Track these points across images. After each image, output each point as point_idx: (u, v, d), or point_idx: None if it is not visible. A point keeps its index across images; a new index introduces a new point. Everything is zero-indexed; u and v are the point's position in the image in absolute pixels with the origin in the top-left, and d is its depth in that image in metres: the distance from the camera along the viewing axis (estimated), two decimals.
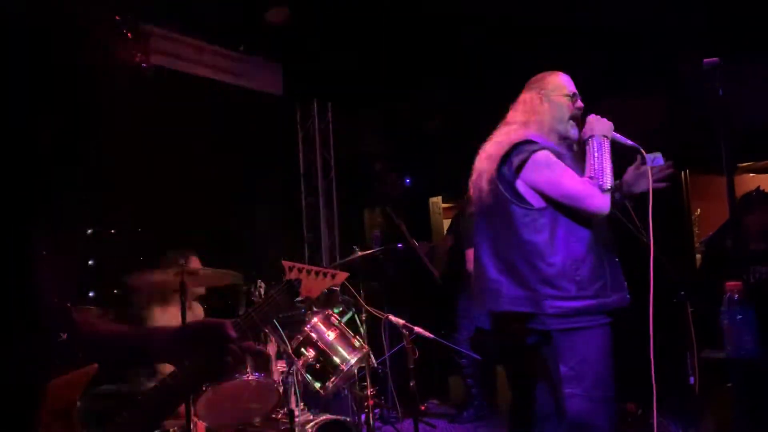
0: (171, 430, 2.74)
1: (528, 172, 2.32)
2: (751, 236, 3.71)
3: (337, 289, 3.64)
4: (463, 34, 5.37)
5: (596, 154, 2.31)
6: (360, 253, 4.14)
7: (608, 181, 2.28)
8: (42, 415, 0.92)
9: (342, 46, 5.72)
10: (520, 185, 2.34)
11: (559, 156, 2.34)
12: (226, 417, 2.95)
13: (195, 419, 2.76)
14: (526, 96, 2.55)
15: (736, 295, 2.08)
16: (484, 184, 2.43)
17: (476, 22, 5.20)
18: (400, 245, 5.16)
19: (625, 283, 2.42)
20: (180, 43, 5.47)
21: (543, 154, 2.31)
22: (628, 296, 2.40)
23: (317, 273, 1.45)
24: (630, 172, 2.47)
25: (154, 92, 5.36)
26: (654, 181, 2.41)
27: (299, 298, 1.41)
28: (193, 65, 5.64)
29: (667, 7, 4.41)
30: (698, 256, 5.23)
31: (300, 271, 1.42)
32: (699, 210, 5.65)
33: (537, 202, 2.32)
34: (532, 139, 2.37)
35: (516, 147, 2.35)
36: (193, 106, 5.75)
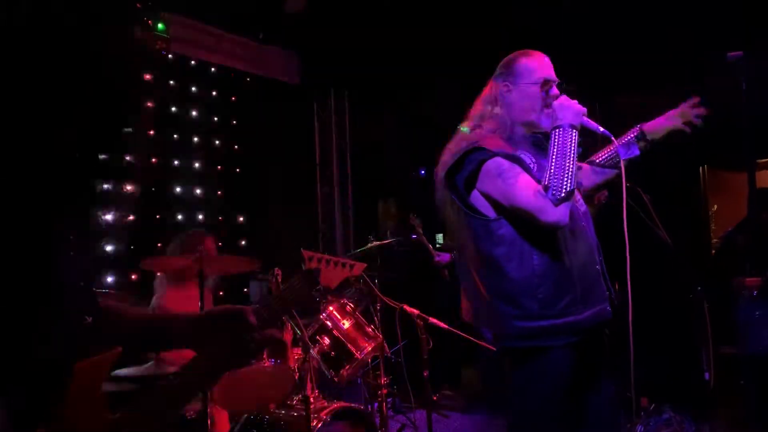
0: (188, 415, 2.78)
1: (479, 183, 2.09)
2: None
3: (357, 279, 3.66)
4: (481, 23, 5.33)
5: (555, 155, 2.00)
6: (375, 243, 4.16)
7: (566, 186, 1.96)
8: (68, 397, 0.94)
9: (359, 36, 5.71)
10: (473, 196, 2.12)
11: (514, 159, 2.08)
12: (241, 402, 2.98)
13: (212, 404, 2.80)
14: (491, 84, 2.27)
15: (755, 292, 2.07)
16: (441, 195, 2.22)
17: (494, 11, 5.16)
18: (414, 236, 5.16)
19: (607, 293, 2.14)
20: (199, 31, 5.50)
21: (493, 163, 2.05)
22: (609, 308, 2.12)
23: (336, 263, 1.46)
24: (655, 123, 2.32)
25: (172, 80, 5.41)
26: (683, 123, 2.29)
27: (318, 287, 1.42)
28: (212, 53, 5.67)
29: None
30: (714, 252, 5.19)
31: (319, 261, 1.42)
32: (716, 206, 5.58)
33: (491, 212, 2.09)
34: (483, 145, 2.09)
35: (466, 156, 2.10)
36: (211, 94, 5.80)
